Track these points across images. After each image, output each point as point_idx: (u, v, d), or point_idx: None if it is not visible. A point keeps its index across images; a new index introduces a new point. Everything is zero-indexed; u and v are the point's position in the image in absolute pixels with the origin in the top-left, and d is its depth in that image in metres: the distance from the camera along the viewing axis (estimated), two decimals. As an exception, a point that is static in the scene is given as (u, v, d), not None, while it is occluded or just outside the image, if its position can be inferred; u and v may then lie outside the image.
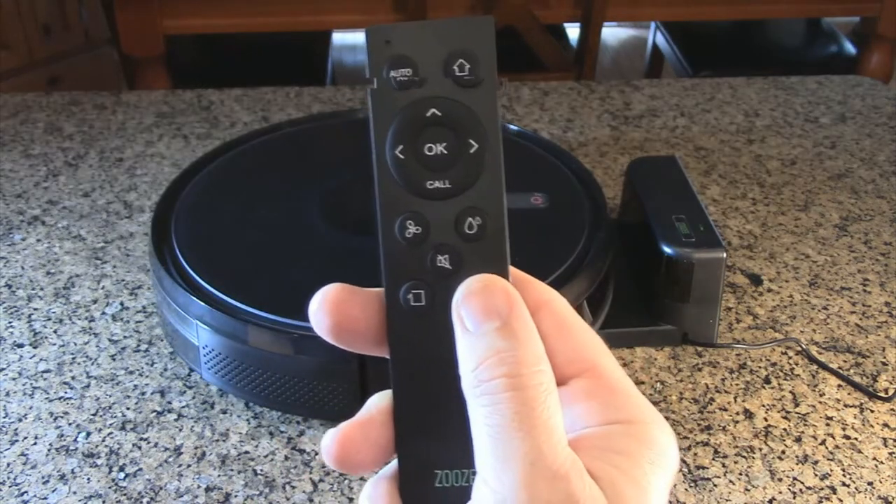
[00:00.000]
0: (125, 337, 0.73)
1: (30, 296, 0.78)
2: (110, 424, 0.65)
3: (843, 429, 0.65)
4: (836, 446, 0.64)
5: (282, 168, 0.83)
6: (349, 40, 3.01)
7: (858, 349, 0.73)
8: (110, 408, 0.67)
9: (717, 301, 0.71)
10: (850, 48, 2.11)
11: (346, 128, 0.89)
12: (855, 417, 0.66)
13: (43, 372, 0.70)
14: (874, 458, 0.63)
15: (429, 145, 0.29)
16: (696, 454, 0.63)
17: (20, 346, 0.73)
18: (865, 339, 0.74)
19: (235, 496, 0.59)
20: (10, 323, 0.75)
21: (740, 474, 0.61)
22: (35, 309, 0.77)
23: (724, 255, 0.70)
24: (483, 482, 0.26)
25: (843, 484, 0.61)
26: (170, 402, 0.67)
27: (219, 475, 0.61)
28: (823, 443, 0.64)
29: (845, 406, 0.67)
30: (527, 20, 1.82)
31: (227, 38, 2.02)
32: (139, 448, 0.63)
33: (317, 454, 0.62)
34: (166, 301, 0.68)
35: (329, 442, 0.29)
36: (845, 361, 0.72)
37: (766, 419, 0.66)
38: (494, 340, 0.27)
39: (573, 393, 0.28)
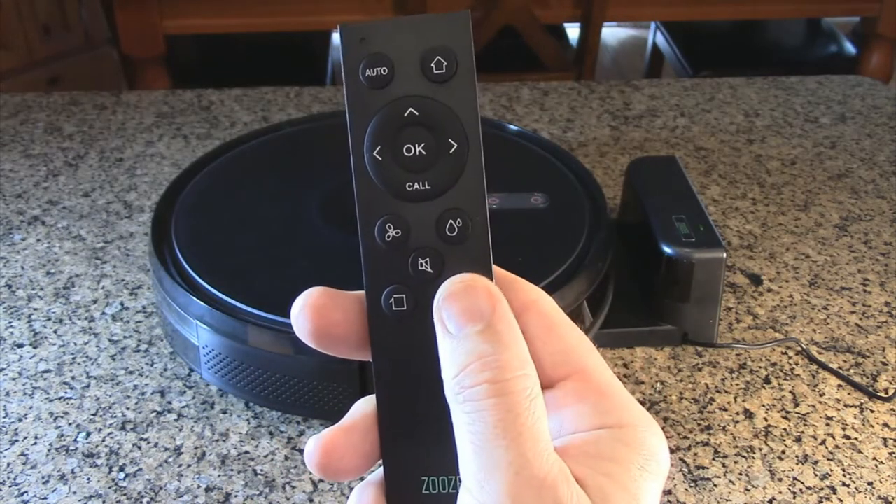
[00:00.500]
0: (125, 337, 0.73)
1: (30, 296, 0.78)
2: (110, 424, 0.65)
3: (843, 429, 0.65)
4: (836, 446, 0.64)
5: (282, 168, 0.83)
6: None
7: (858, 349, 0.73)
8: (110, 408, 0.67)
9: (717, 301, 0.71)
10: (850, 48, 2.11)
11: (346, 128, 0.89)
12: (855, 417, 0.66)
13: (43, 372, 0.70)
14: (874, 458, 0.63)
15: (407, 146, 0.28)
16: (696, 454, 0.63)
17: (20, 346, 0.73)
18: (865, 339, 0.74)
19: (235, 496, 0.60)
20: (10, 323, 0.75)
21: (740, 474, 0.61)
22: (35, 309, 0.77)
23: (724, 255, 0.70)
24: (466, 491, 0.26)
25: (843, 484, 0.61)
26: (170, 402, 0.67)
27: (219, 475, 0.61)
28: (823, 443, 0.64)
29: (845, 406, 0.67)
30: (527, 20, 1.82)
31: (227, 38, 2.02)
32: (139, 448, 0.63)
33: (317, 454, 0.62)
34: (166, 301, 0.68)
35: (312, 448, 0.28)
36: (845, 361, 0.72)
37: (766, 419, 0.66)
38: (477, 344, 0.26)
39: (561, 396, 0.28)
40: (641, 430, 0.27)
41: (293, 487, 0.60)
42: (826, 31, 2.23)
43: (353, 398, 0.62)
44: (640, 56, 2.90)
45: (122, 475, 0.61)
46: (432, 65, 0.28)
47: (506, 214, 0.74)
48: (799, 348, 0.73)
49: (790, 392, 0.68)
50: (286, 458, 0.62)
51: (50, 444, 0.63)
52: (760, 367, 0.71)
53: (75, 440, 0.64)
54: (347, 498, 0.59)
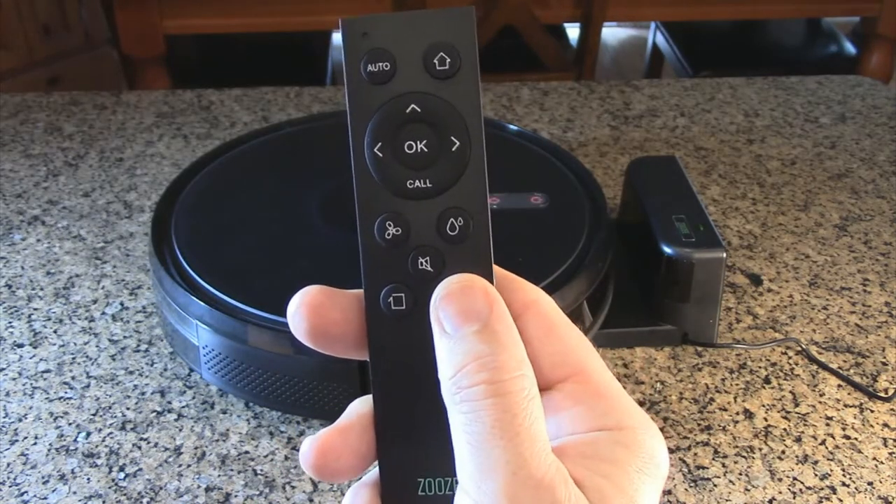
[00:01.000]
0: (125, 337, 0.73)
1: (30, 296, 0.78)
2: (110, 424, 0.65)
3: (843, 429, 0.65)
4: (836, 446, 0.64)
5: (282, 168, 0.83)
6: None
7: (858, 349, 0.73)
8: (110, 408, 0.67)
9: (717, 301, 0.71)
10: (850, 48, 2.11)
11: (346, 128, 0.89)
12: (855, 417, 0.66)
13: (43, 372, 0.70)
14: (874, 458, 0.63)
15: (409, 143, 0.28)
16: (696, 454, 0.63)
17: (20, 346, 0.73)
18: (865, 339, 0.74)
19: (235, 496, 0.59)
20: (10, 323, 0.75)
21: (740, 474, 0.61)
22: (35, 309, 0.77)
23: (724, 255, 0.70)
24: (464, 492, 0.25)
25: (843, 484, 0.61)
26: (170, 402, 0.67)
27: (219, 475, 0.61)
28: (823, 443, 0.64)
29: (845, 406, 0.67)
30: (527, 20, 1.82)
31: (227, 38, 2.02)
32: (139, 448, 0.63)
33: (317, 454, 0.62)
34: (166, 301, 0.68)
35: (307, 449, 0.28)
36: (845, 361, 0.72)
37: (766, 419, 0.66)
38: (474, 344, 0.26)
39: (560, 398, 0.28)
40: (640, 433, 0.27)
41: (293, 487, 0.60)
42: (826, 31, 2.23)
43: (353, 398, 0.62)
44: (640, 56, 2.90)
45: (122, 475, 0.61)
46: (435, 61, 0.27)
47: (506, 214, 0.74)
48: (799, 348, 0.73)
49: (790, 392, 0.68)
50: (286, 458, 0.62)
51: (50, 444, 0.63)
52: (760, 367, 0.71)
53: (75, 440, 0.64)
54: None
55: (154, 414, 0.66)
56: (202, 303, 0.64)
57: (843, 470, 0.62)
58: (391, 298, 0.28)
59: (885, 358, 0.72)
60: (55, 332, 0.74)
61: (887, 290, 0.80)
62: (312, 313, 0.28)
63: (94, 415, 0.66)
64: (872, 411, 0.67)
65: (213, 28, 1.82)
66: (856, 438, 0.64)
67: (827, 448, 0.64)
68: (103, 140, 1.04)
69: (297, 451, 0.63)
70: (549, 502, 0.24)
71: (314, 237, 0.72)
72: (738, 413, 0.66)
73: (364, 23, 0.28)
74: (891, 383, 0.70)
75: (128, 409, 0.66)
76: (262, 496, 0.59)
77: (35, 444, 0.64)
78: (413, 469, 0.28)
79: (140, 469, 0.61)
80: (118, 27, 1.77)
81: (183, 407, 0.67)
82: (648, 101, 1.14)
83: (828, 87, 1.18)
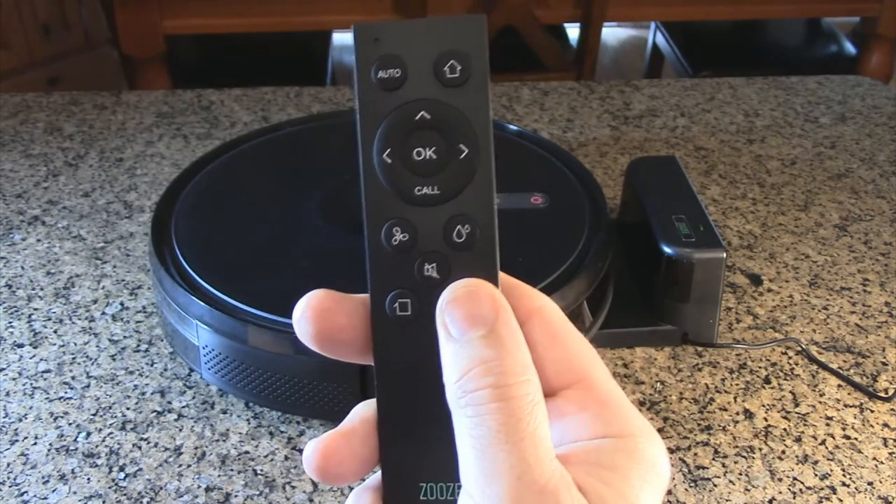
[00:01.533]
0: (125, 337, 0.73)
1: (30, 296, 0.78)
2: (110, 424, 0.65)
3: (843, 429, 0.65)
4: (836, 446, 0.64)
5: (282, 168, 0.83)
6: (349, 40, 3.01)
7: (858, 349, 0.73)
8: (110, 408, 0.67)
9: (717, 301, 0.71)
10: (850, 48, 2.11)
11: (346, 128, 0.88)
12: (855, 417, 0.66)
13: (43, 372, 0.70)
14: (874, 458, 0.63)
15: (417, 149, 0.28)
16: (696, 454, 0.63)
17: (20, 346, 0.73)
18: (865, 339, 0.74)
19: (235, 496, 0.60)
20: (10, 323, 0.75)
21: (740, 474, 0.61)
22: (35, 309, 0.77)
23: (724, 255, 0.70)
24: (468, 496, 0.25)
25: (843, 484, 0.61)
26: (170, 402, 0.67)
27: (219, 475, 0.61)
28: (823, 443, 0.64)
29: (845, 406, 0.67)
30: (527, 20, 1.82)
31: (227, 38, 2.02)
32: (139, 448, 0.63)
33: (317, 454, 0.62)
34: (166, 301, 0.68)
35: (311, 452, 0.28)
36: (845, 361, 0.72)
37: (766, 419, 0.66)
38: (480, 349, 0.26)
39: (563, 404, 0.28)
40: (643, 441, 0.27)
41: (293, 487, 0.60)
42: (826, 31, 2.23)
43: (353, 398, 0.62)
44: (640, 56, 2.91)
45: (122, 475, 0.61)
46: (446, 68, 0.27)
47: (506, 214, 0.73)
48: (799, 348, 0.73)
49: (790, 392, 0.68)
50: (286, 458, 0.62)
51: (50, 444, 0.63)
52: (760, 367, 0.71)
53: (75, 440, 0.64)
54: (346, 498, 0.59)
55: (154, 414, 0.66)
56: (202, 303, 0.64)
57: (843, 470, 0.62)
58: (397, 304, 0.28)
59: (885, 358, 0.72)
60: (55, 332, 0.74)
61: (887, 290, 0.80)
62: (318, 318, 0.28)
63: (94, 415, 0.66)
64: (872, 411, 0.67)
65: (213, 28, 1.82)
66: (856, 438, 0.64)
67: (827, 448, 0.64)
68: (103, 140, 1.04)
69: (298, 451, 0.63)
70: None
71: (314, 237, 0.72)
72: (738, 413, 0.66)
73: (376, 29, 0.28)
74: (891, 383, 0.70)
75: (128, 409, 0.66)
76: (262, 496, 0.59)
77: (35, 444, 0.64)
78: (416, 474, 0.28)
79: (140, 469, 0.61)
80: (118, 27, 1.77)
81: (183, 407, 0.67)
82: (648, 101, 1.14)
83: (828, 87, 1.18)
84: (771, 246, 0.86)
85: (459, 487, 0.26)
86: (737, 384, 0.69)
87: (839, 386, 0.69)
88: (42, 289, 0.79)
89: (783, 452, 0.63)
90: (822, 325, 0.75)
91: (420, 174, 0.28)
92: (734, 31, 2.27)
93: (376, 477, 0.29)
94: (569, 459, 0.26)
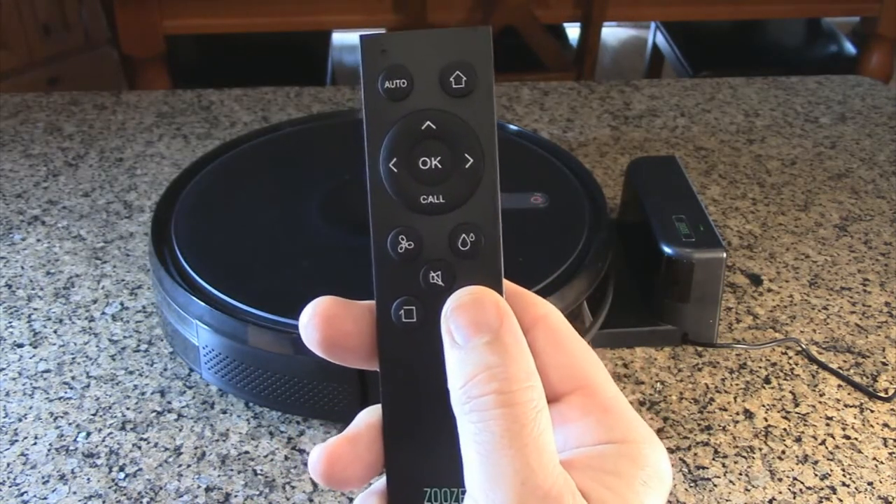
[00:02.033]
0: (125, 337, 0.73)
1: (30, 296, 0.78)
2: (110, 424, 0.65)
3: (843, 429, 0.65)
4: (836, 446, 0.64)
5: (282, 168, 0.83)
6: (349, 40, 3.01)
7: (858, 349, 0.73)
8: (110, 408, 0.67)
9: (717, 301, 0.71)
10: (850, 48, 2.11)
11: (346, 128, 0.89)
12: (855, 417, 0.66)
13: (43, 372, 0.70)
14: (874, 458, 0.63)
15: (423, 159, 0.28)
16: (696, 454, 0.63)
17: (20, 346, 0.73)
18: (865, 339, 0.74)
19: (235, 496, 0.60)
20: (10, 323, 0.75)
21: (740, 474, 0.61)
22: (35, 309, 0.77)
23: (724, 255, 0.70)
24: (472, 501, 0.26)
25: (843, 484, 0.61)
26: (170, 402, 0.67)
27: (219, 475, 0.61)
28: (823, 443, 0.64)
29: (845, 406, 0.67)
30: (527, 20, 1.82)
31: (227, 38, 2.02)
32: (139, 448, 0.63)
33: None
34: (166, 301, 0.68)
35: (316, 457, 0.28)
36: (845, 361, 0.72)
37: (766, 419, 0.66)
38: (484, 355, 0.26)
39: (566, 411, 0.28)
40: (645, 447, 0.27)
41: (293, 487, 0.60)
42: (826, 31, 2.23)
43: (353, 398, 0.62)
44: (640, 56, 2.91)
45: (122, 475, 0.61)
46: (451, 79, 0.28)
47: (506, 214, 0.73)
48: (799, 348, 0.73)
49: (790, 392, 0.68)
50: (286, 458, 0.62)
51: (50, 444, 0.63)
52: (760, 367, 0.71)
53: (75, 440, 0.64)
54: (348, 499, 0.59)
55: (154, 414, 0.66)
56: (202, 303, 0.64)
57: (843, 470, 0.62)
58: (402, 311, 0.28)
59: (885, 358, 0.72)
60: (55, 332, 0.74)
61: (887, 290, 0.80)
62: (325, 324, 0.29)
63: (94, 415, 0.66)
64: (872, 411, 0.67)
65: (213, 28, 1.82)
66: (856, 438, 0.64)
67: (827, 448, 0.64)
68: (103, 140, 1.04)
69: (298, 451, 0.63)
70: None
71: (314, 237, 0.72)
72: (738, 413, 0.66)
73: (383, 40, 0.28)
74: (891, 383, 0.70)
75: (128, 409, 0.66)
76: (262, 496, 0.59)
77: (35, 444, 0.64)
78: (420, 479, 0.28)
79: (140, 469, 0.61)
80: (118, 27, 1.77)
81: (183, 407, 0.67)
82: (648, 101, 1.14)
83: (828, 87, 1.18)
84: (771, 246, 0.86)
85: (464, 492, 0.26)
86: (737, 384, 0.69)
87: (839, 386, 0.69)
88: (42, 289, 0.79)
89: (783, 452, 0.63)
90: (822, 325, 0.75)
91: (426, 183, 0.28)
92: (734, 31, 2.27)
93: (381, 482, 0.29)
94: (572, 465, 0.26)
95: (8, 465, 0.62)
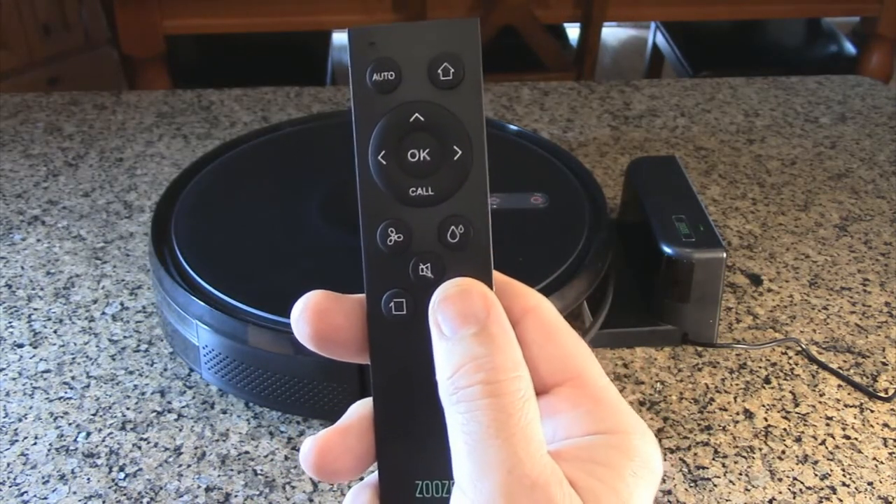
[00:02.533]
0: (125, 337, 0.73)
1: (30, 296, 0.78)
2: (110, 424, 0.65)
3: (843, 429, 0.65)
4: (836, 446, 0.64)
5: (282, 168, 0.83)
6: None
7: (858, 349, 0.73)
8: (110, 408, 0.67)
9: (717, 301, 0.71)
10: (850, 48, 2.11)
11: (346, 128, 0.88)
12: (855, 417, 0.66)
13: (43, 372, 0.70)
14: (874, 458, 0.63)
15: (412, 151, 0.28)
16: (696, 454, 0.63)
17: (20, 346, 0.73)
18: (865, 339, 0.74)
19: (235, 496, 0.60)
20: (10, 323, 0.75)
21: (740, 474, 0.61)
22: (35, 309, 0.77)
23: (724, 255, 0.70)
24: (460, 491, 0.26)
25: (843, 484, 0.61)
26: (170, 402, 0.67)
27: (219, 475, 0.61)
28: (823, 443, 0.64)
29: (845, 406, 0.67)
30: (527, 20, 1.82)
31: (227, 38, 2.02)
32: (139, 448, 0.63)
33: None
34: (166, 301, 0.68)
35: (307, 449, 0.28)
36: (845, 361, 0.72)
37: (766, 419, 0.66)
38: (471, 346, 0.26)
39: (557, 402, 0.28)
40: (635, 437, 0.27)
41: (293, 487, 0.60)
42: (826, 31, 2.23)
43: (353, 398, 0.62)
44: (640, 56, 2.90)
45: (122, 475, 0.61)
46: (439, 71, 0.28)
47: (506, 214, 0.74)
48: (799, 348, 0.73)
49: (790, 392, 0.69)
50: (286, 458, 0.62)
51: (50, 444, 0.63)
52: (760, 367, 0.71)
53: (75, 440, 0.64)
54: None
55: (154, 414, 0.66)
56: (202, 303, 0.64)
57: (843, 470, 0.62)
58: (392, 303, 0.28)
59: (885, 358, 0.72)
60: (55, 332, 0.74)
61: (887, 290, 0.80)
62: (317, 318, 0.29)
63: (94, 415, 0.66)
64: (872, 411, 0.67)
65: (213, 28, 1.82)
66: (856, 438, 0.64)
67: (827, 448, 0.64)
68: (103, 140, 1.04)
69: (298, 451, 0.63)
70: (543, 501, 0.25)
71: (314, 237, 0.72)
72: (738, 413, 0.66)
73: (371, 33, 0.28)
74: (891, 383, 0.70)
75: (128, 409, 0.66)
76: (262, 496, 0.59)
77: (35, 444, 0.64)
78: (411, 471, 0.28)
79: (140, 469, 0.61)
80: (118, 27, 1.77)
81: (183, 407, 0.67)
82: (648, 101, 1.14)
83: (828, 87, 1.18)
84: (771, 246, 0.86)
85: (454, 481, 0.26)
86: (737, 384, 0.69)
87: (839, 386, 0.69)
88: (42, 289, 0.79)
89: (783, 452, 0.63)
90: (822, 325, 0.75)
91: (414, 175, 0.28)
92: (734, 31, 2.27)
93: (374, 475, 0.29)
94: (561, 455, 0.26)
95: (8, 465, 0.62)
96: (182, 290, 0.66)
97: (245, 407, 0.67)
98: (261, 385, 0.64)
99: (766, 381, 0.70)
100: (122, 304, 0.77)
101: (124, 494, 0.60)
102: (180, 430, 0.65)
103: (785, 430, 0.65)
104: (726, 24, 2.27)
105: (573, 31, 2.02)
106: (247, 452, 0.63)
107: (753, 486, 0.60)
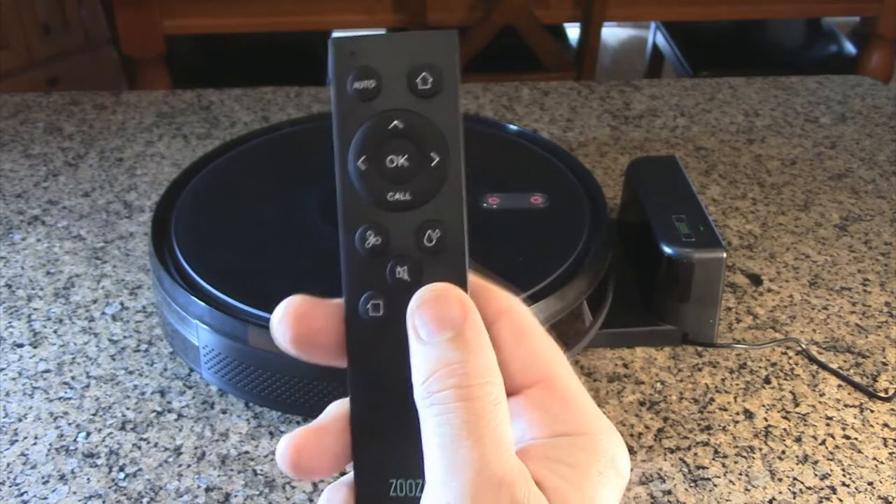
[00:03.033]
0: (125, 337, 0.73)
1: (30, 296, 0.78)
2: (110, 424, 0.65)
3: (843, 429, 0.65)
4: (836, 446, 0.64)
5: (282, 168, 0.83)
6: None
7: (858, 349, 0.73)
8: (110, 408, 0.67)
9: (717, 301, 0.71)
10: (850, 48, 2.11)
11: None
12: (855, 417, 0.66)
13: (43, 372, 0.70)
14: (874, 458, 0.63)
15: (391, 157, 0.29)
16: (696, 454, 0.63)
17: (20, 346, 0.73)
18: (865, 339, 0.74)
19: (235, 496, 0.60)
20: (10, 323, 0.75)
21: (740, 474, 0.61)
22: (35, 309, 0.77)
23: (724, 255, 0.70)
24: (431, 490, 0.26)
25: (843, 484, 0.61)
26: (170, 402, 0.67)
27: (219, 475, 0.61)
28: (823, 443, 0.64)
29: (845, 406, 0.67)
30: (527, 20, 1.82)
31: (227, 38, 2.02)
32: (139, 448, 0.63)
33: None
34: (166, 301, 0.68)
35: (283, 447, 0.29)
36: (845, 361, 0.72)
37: (766, 419, 0.66)
38: (446, 351, 0.27)
39: (526, 403, 0.29)
40: (602, 438, 0.28)
41: (293, 487, 0.60)
42: (826, 31, 2.23)
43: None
44: (640, 56, 2.91)
45: (122, 475, 0.61)
46: (418, 80, 0.29)
47: (506, 214, 0.74)
48: (799, 348, 0.73)
49: (790, 392, 0.69)
50: (286, 458, 0.62)
51: (50, 444, 0.63)
52: (760, 367, 0.71)
53: (75, 440, 0.64)
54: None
55: (154, 414, 0.66)
56: (202, 303, 0.64)
57: (843, 470, 0.62)
58: (369, 305, 0.29)
59: (885, 358, 0.72)
60: (55, 332, 0.74)
61: (887, 290, 0.80)
62: (297, 322, 0.29)
63: (94, 415, 0.66)
64: (872, 411, 0.67)
65: (213, 28, 1.82)
66: (856, 438, 0.64)
67: (827, 448, 0.64)
68: (103, 140, 1.04)
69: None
70: (508, 499, 0.25)
71: (314, 237, 0.72)
72: (738, 413, 0.66)
73: (352, 42, 0.29)
74: (891, 383, 0.70)
75: (128, 409, 0.66)
76: (262, 496, 0.59)
77: (35, 444, 0.64)
78: (386, 470, 0.29)
79: (140, 469, 0.61)
80: (118, 27, 1.77)
81: (183, 407, 0.67)
82: (648, 101, 1.14)
83: (828, 87, 1.18)
84: (771, 246, 0.86)
85: (426, 481, 0.27)
86: (737, 384, 0.69)
87: (839, 386, 0.69)
88: (42, 289, 0.79)
89: (783, 452, 0.63)
90: (822, 325, 0.75)
91: (393, 181, 0.29)
92: (734, 31, 2.27)
93: (350, 474, 0.30)
94: (528, 455, 0.27)
95: (8, 465, 0.62)
96: (182, 290, 0.66)
97: (245, 407, 0.67)
98: (261, 385, 0.64)
99: (766, 381, 0.70)
100: (122, 304, 0.77)
101: (124, 494, 0.60)
102: (180, 430, 0.65)
103: (785, 430, 0.65)
104: (726, 24, 2.27)
105: (573, 31, 2.02)
106: (247, 452, 0.63)
107: (753, 486, 0.61)
